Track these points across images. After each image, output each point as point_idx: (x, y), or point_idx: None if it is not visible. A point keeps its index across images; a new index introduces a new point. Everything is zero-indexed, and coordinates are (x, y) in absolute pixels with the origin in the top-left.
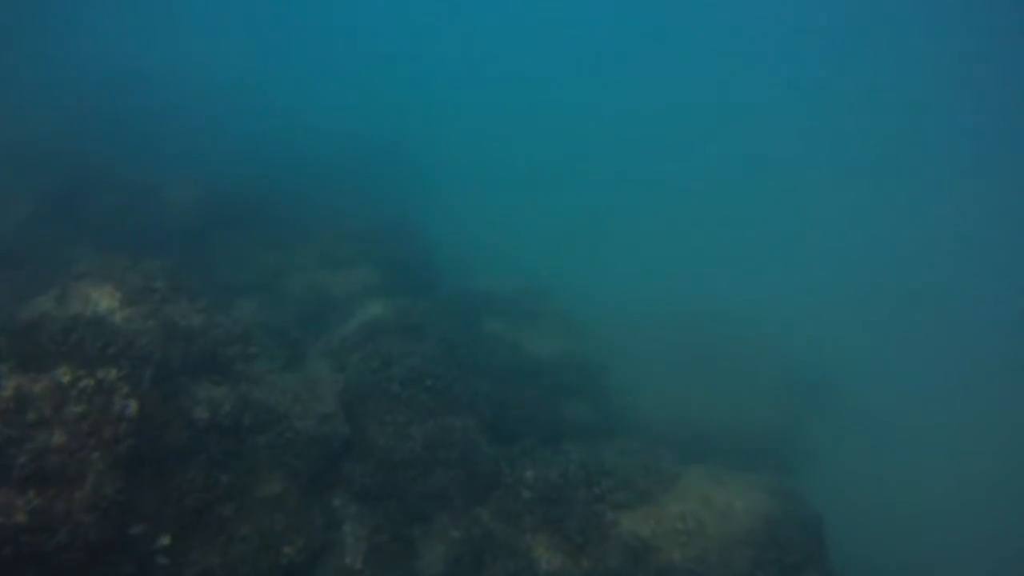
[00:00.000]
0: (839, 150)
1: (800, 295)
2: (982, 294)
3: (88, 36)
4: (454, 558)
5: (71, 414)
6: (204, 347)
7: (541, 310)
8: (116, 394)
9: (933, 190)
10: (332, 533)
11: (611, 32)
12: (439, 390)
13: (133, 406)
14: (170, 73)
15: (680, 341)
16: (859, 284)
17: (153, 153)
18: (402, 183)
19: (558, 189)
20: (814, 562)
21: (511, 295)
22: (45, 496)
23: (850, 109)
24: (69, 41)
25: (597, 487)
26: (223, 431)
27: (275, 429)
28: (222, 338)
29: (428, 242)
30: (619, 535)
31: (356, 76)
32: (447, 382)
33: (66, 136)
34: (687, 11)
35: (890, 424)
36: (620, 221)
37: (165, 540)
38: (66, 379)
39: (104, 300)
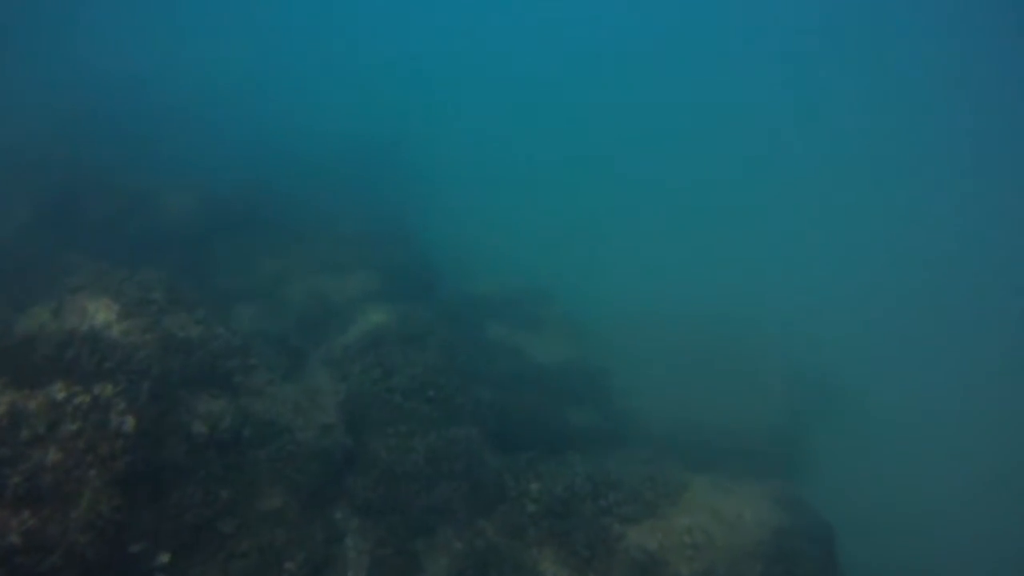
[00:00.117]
0: (839, 150)
1: (801, 295)
2: (982, 293)
3: (84, 39)
4: (458, 572)
5: (66, 431)
6: (203, 359)
7: (543, 314)
8: (112, 410)
9: (933, 189)
10: (334, 547)
11: (611, 32)
12: (441, 400)
13: (130, 422)
14: (166, 76)
15: (681, 342)
16: (860, 283)
17: (150, 157)
18: (400, 185)
19: (558, 190)
20: (825, 574)
21: (512, 298)
22: (40, 516)
23: (850, 109)
24: (64, 44)
25: (604, 500)
26: (222, 445)
27: (276, 442)
28: (221, 350)
29: (428, 244)
30: (626, 549)
31: (354, 78)
32: (449, 392)
33: (61, 140)
34: (687, 11)
35: (892, 423)
36: (620, 221)
37: (164, 558)
38: (61, 396)
39: (101, 313)
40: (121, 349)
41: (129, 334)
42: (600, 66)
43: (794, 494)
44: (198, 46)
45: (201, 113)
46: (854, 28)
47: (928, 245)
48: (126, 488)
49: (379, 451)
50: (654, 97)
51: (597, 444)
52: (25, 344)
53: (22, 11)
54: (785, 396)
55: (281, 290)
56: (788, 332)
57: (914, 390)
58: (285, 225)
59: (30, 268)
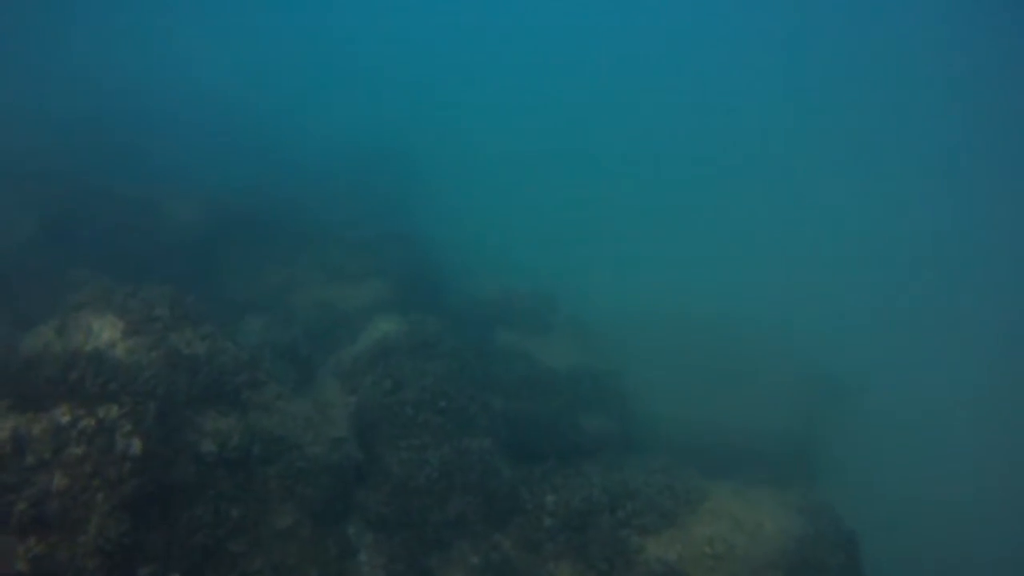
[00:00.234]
0: (845, 146)
1: (801, 291)
2: (985, 283)
3: (80, 46)
4: None
5: (72, 456)
6: (210, 376)
7: (552, 319)
8: (118, 432)
9: (946, 185)
10: (347, 563)
11: (611, 32)
12: (453, 411)
13: (136, 445)
14: (168, 83)
15: (692, 343)
16: (862, 278)
17: (151, 166)
18: (405, 189)
19: (565, 191)
20: None
21: (521, 303)
22: (47, 542)
23: (856, 106)
24: (61, 52)
25: (621, 511)
26: (232, 464)
27: (286, 458)
28: (229, 366)
29: (434, 248)
30: (645, 561)
31: (355, 83)
32: (461, 403)
33: (62, 150)
34: (687, 10)
35: (909, 422)
36: (627, 222)
37: None
38: (65, 420)
39: (105, 331)
40: (126, 369)
41: (134, 352)
42: (603, 66)
43: (815, 501)
44: (198, 54)
45: (204, 120)
46: (854, 28)
47: (944, 239)
48: (134, 511)
49: (391, 465)
50: (660, 97)
51: (611, 450)
52: (28, 366)
53: (16, 19)
54: (798, 394)
55: (289, 299)
56: (794, 329)
57: (922, 383)
58: (291, 232)
59: (35, 282)
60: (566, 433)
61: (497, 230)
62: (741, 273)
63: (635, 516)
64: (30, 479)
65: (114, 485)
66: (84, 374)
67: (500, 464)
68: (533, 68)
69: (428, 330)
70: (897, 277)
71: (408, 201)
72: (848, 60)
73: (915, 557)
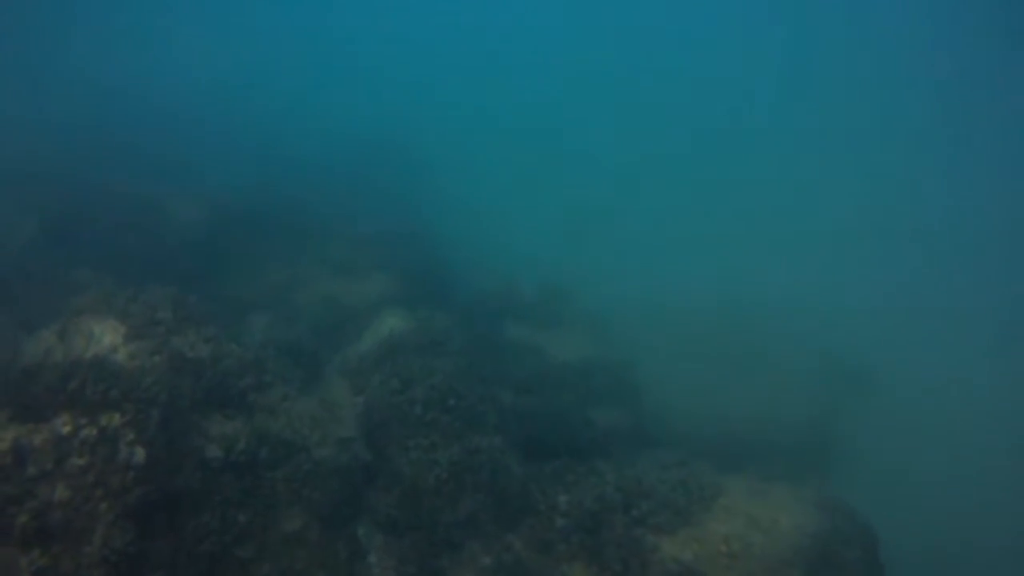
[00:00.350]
0: (834, 125)
1: (812, 275)
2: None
3: (80, 47)
4: None
5: (74, 466)
6: (214, 380)
7: (563, 311)
8: (121, 441)
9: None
10: (357, 565)
11: (614, 32)
12: (463, 410)
13: (140, 453)
14: (168, 81)
15: (706, 332)
16: (869, 261)
17: (154, 164)
18: (411, 183)
19: (574, 182)
20: None
21: (531, 296)
22: (51, 554)
23: (870, 97)
24: (60, 52)
25: (635, 510)
26: (239, 468)
27: (293, 462)
28: (233, 368)
29: (442, 242)
30: (660, 561)
31: (361, 77)
32: (471, 401)
33: (63, 150)
34: (687, 10)
35: (929, 410)
36: (638, 210)
37: None
38: (66, 429)
39: (107, 336)
40: (128, 375)
41: (136, 358)
42: (610, 58)
43: (832, 496)
44: (199, 50)
45: (205, 117)
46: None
47: (930, 218)
48: (139, 520)
49: (401, 466)
50: (672, 87)
51: (624, 445)
52: (28, 376)
53: (16, 20)
54: (819, 384)
55: (294, 296)
56: (806, 316)
57: (937, 368)
58: (295, 228)
59: (38, 284)
60: (578, 428)
61: (504, 224)
62: (751, 260)
63: (650, 515)
64: (32, 490)
65: (118, 495)
66: (85, 382)
67: (511, 462)
68: (534, 67)
69: (436, 327)
70: (910, 263)
71: (413, 196)
72: (871, 43)
73: (934, 547)
